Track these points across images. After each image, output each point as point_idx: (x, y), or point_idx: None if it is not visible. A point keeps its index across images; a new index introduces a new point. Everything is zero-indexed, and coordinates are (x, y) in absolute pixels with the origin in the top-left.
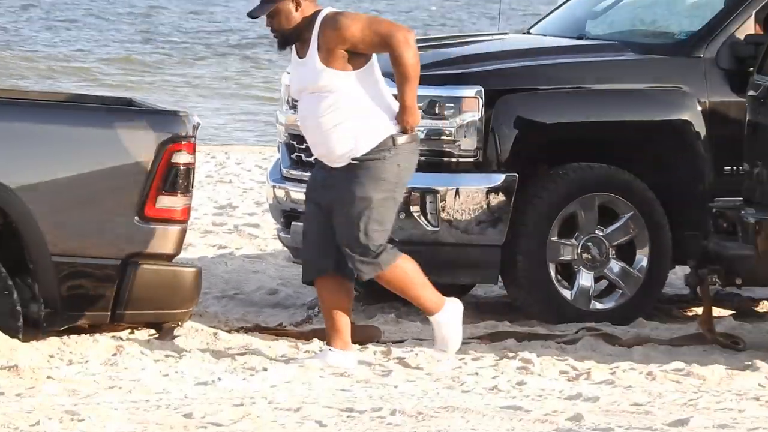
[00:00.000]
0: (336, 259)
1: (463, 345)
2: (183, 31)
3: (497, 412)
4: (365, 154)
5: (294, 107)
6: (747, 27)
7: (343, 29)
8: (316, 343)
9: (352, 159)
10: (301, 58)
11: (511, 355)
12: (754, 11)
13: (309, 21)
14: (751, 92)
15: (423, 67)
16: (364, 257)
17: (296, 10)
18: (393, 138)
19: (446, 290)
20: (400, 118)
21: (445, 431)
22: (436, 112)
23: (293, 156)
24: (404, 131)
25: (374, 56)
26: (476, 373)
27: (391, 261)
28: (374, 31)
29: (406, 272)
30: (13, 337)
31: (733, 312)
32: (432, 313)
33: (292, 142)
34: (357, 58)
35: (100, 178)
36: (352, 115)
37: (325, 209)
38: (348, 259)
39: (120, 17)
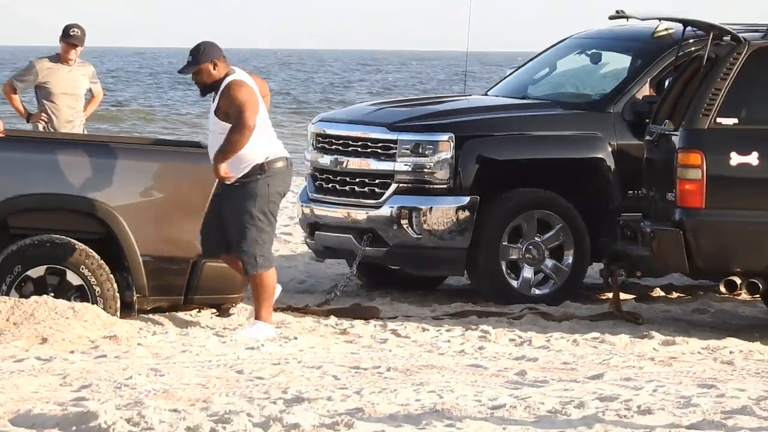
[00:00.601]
0: (226, 246)
1: (438, 320)
2: None
3: (464, 368)
4: (244, 177)
5: (316, 148)
6: (644, 90)
7: (227, 99)
8: (333, 320)
9: (235, 182)
10: (213, 102)
11: (473, 327)
12: (649, 79)
13: (221, 78)
14: (647, 137)
15: (412, 119)
16: (248, 256)
17: (214, 69)
18: (263, 165)
19: (427, 281)
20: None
21: (426, 383)
22: (420, 151)
23: (316, 184)
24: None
25: (262, 111)
26: (448, 341)
27: (264, 269)
28: (235, 108)
29: (270, 283)
30: (113, 315)
31: (635, 296)
32: (260, 319)
33: (315, 173)
34: None
35: (176, 200)
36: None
37: (221, 213)
38: (238, 253)
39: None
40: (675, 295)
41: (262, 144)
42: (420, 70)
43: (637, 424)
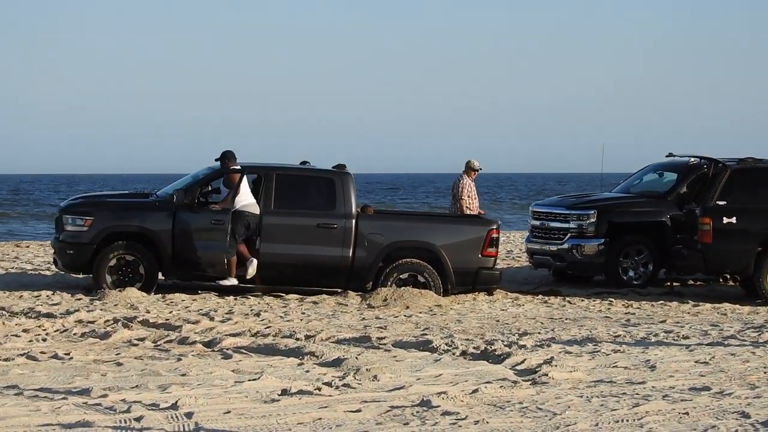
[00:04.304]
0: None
1: (588, 296)
2: (501, 198)
3: (601, 318)
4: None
5: (533, 218)
6: (684, 188)
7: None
8: (540, 296)
9: (233, 212)
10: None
11: (603, 298)
12: (686, 184)
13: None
14: (684, 210)
15: (577, 203)
16: (229, 247)
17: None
18: (242, 207)
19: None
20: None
21: (584, 325)
22: (581, 219)
23: (533, 233)
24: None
25: (244, 183)
26: (593, 304)
27: (232, 254)
28: (226, 184)
29: (234, 261)
30: (438, 295)
31: (679, 284)
32: (229, 275)
33: (532, 229)
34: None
35: (465, 242)
36: (238, 201)
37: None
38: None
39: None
40: (699, 283)
41: (245, 200)
42: (579, 186)
43: (681, 344)
